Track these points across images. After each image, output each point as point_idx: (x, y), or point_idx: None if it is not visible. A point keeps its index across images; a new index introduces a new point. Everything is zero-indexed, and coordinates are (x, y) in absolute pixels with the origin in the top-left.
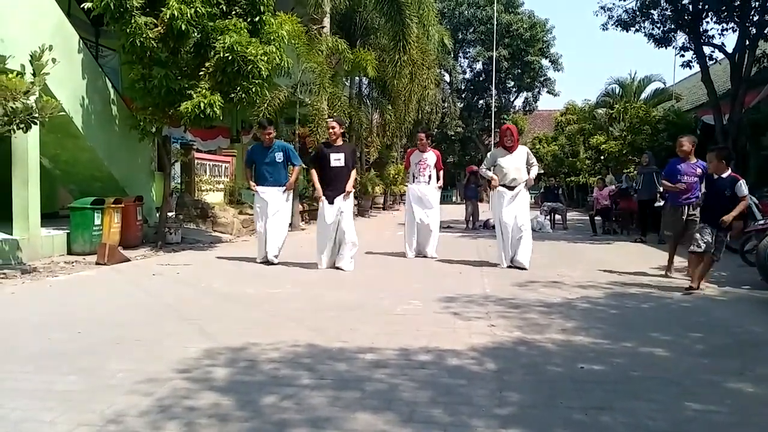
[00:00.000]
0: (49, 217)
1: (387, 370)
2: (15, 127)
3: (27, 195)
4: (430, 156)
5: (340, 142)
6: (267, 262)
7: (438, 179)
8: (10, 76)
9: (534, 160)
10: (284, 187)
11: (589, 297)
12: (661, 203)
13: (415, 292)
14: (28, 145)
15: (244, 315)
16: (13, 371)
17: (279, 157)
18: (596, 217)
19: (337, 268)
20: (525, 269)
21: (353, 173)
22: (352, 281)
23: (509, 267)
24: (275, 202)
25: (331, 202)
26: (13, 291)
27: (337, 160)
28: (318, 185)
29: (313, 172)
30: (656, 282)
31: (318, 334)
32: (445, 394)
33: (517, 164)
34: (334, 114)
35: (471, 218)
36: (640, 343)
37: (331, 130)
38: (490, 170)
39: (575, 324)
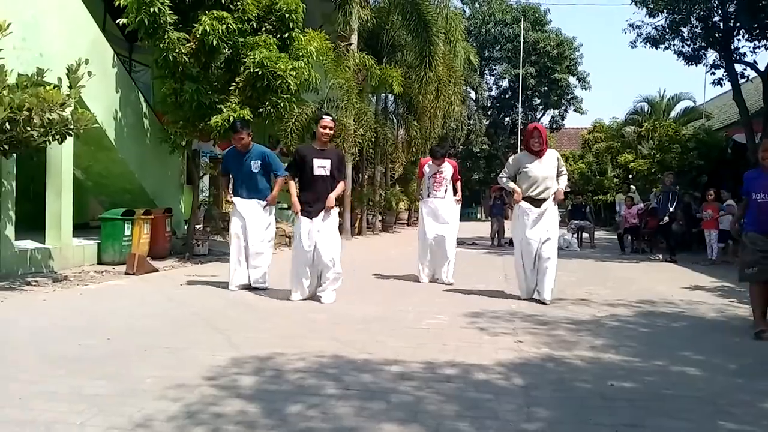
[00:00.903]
0: (80, 228)
1: (412, 382)
2: (51, 138)
3: (60, 205)
4: (447, 168)
5: (328, 145)
6: (247, 287)
7: (456, 191)
8: (47, 88)
9: (564, 168)
10: (265, 202)
11: (618, 315)
12: (666, 220)
13: (440, 306)
14: (62, 156)
15: (269, 325)
16: (44, 375)
17: (255, 166)
18: (625, 236)
19: (317, 299)
20: (546, 304)
21: (340, 185)
22: (376, 294)
23: (530, 300)
24: (254, 218)
25: (311, 219)
26: (45, 298)
27: (321, 167)
28: (295, 197)
29: (291, 182)
30: (687, 301)
31: (343, 345)
32: (471, 408)
33: (546, 172)
34: (360, 130)
35: (497, 235)
36: (671, 362)
37: (323, 130)
38: (512, 180)
39: (604, 341)
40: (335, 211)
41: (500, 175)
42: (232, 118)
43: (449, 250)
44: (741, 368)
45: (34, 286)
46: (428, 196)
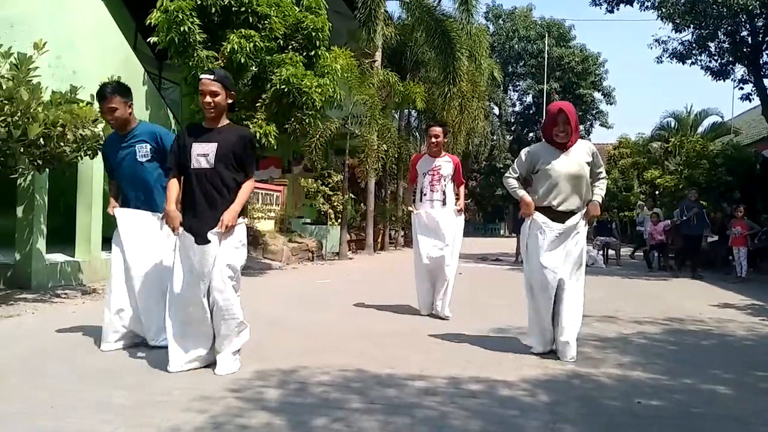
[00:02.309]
0: (109, 241)
1: (437, 397)
2: (83, 154)
3: (90, 219)
4: (445, 164)
5: (223, 122)
6: (136, 343)
7: (458, 198)
8: (80, 105)
9: (603, 169)
10: (160, 214)
11: (645, 332)
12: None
13: (465, 321)
14: (93, 171)
15: (293, 339)
16: (74, 385)
17: (141, 152)
18: (651, 252)
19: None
20: (572, 360)
21: (247, 185)
22: (399, 309)
23: (547, 354)
24: (137, 240)
25: (197, 239)
26: (74, 310)
27: (201, 155)
28: (170, 206)
29: (171, 183)
30: (716, 319)
31: (367, 359)
32: (496, 424)
33: (575, 170)
34: (383, 146)
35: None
36: (700, 380)
37: (203, 98)
38: (528, 182)
39: (632, 359)
40: (239, 230)
41: (506, 176)
42: (258, 134)
43: (449, 275)
44: None
45: (64, 298)
46: (420, 201)
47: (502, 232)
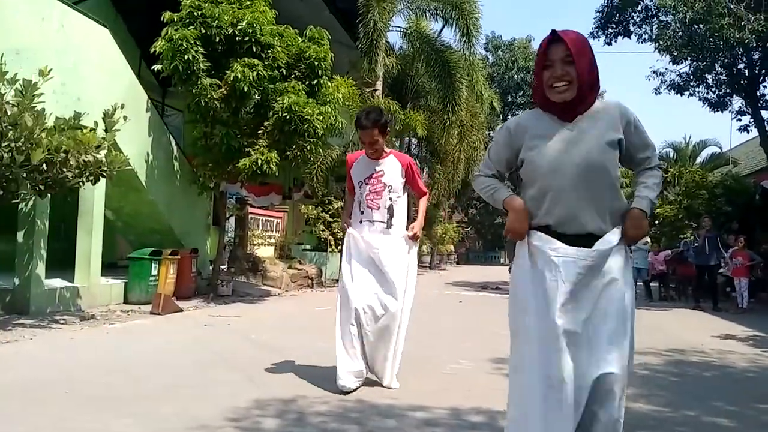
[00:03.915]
0: (108, 267)
1: (438, 429)
2: (85, 179)
3: (90, 245)
4: (391, 167)
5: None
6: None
7: (415, 218)
8: (84, 131)
9: (650, 146)
10: None
11: (647, 363)
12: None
13: (465, 350)
14: (94, 197)
15: (291, 367)
16: (72, 412)
17: None
18: (652, 283)
19: None
20: None
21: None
22: None
23: None
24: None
25: None
26: (72, 336)
27: None
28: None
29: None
30: (717, 350)
31: (367, 389)
32: None
33: (590, 156)
34: None
35: None
36: (703, 412)
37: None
38: (505, 179)
39: (634, 390)
40: None
41: (475, 174)
42: (260, 161)
43: (393, 332)
44: None
45: (62, 324)
46: (358, 222)
47: (501, 260)
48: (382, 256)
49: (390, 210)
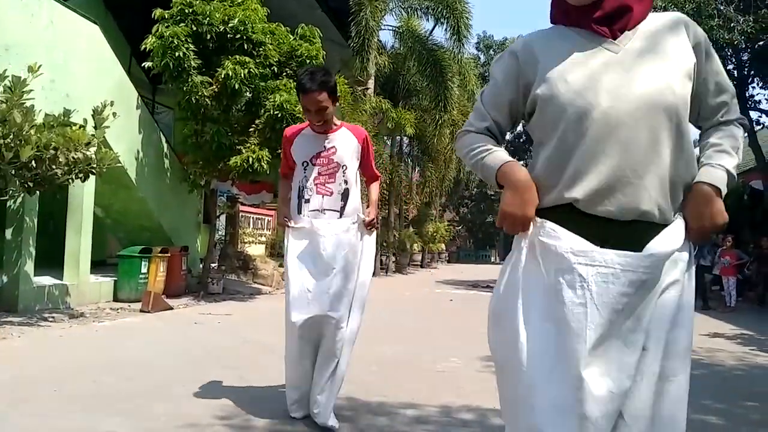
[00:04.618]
0: (97, 264)
1: (429, 426)
2: (74, 177)
3: (79, 242)
4: (344, 142)
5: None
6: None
7: (367, 204)
8: (73, 128)
9: (727, 80)
10: None
11: None
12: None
13: (455, 349)
14: (83, 194)
15: (282, 364)
16: (60, 411)
17: None
18: None
19: None
20: None
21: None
22: (390, 336)
23: None
24: None
25: None
26: (61, 334)
27: None
28: None
29: None
30: (706, 348)
31: (357, 387)
32: None
33: (649, 94)
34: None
35: None
36: (691, 410)
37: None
38: (504, 140)
39: None
40: None
41: (460, 132)
42: (251, 159)
43: (339, 348)
44: (764, 418)
45: (51, 322)
46: (298, 211)
47: (492, 258)
48: (333, 249)
49: (345, 196)
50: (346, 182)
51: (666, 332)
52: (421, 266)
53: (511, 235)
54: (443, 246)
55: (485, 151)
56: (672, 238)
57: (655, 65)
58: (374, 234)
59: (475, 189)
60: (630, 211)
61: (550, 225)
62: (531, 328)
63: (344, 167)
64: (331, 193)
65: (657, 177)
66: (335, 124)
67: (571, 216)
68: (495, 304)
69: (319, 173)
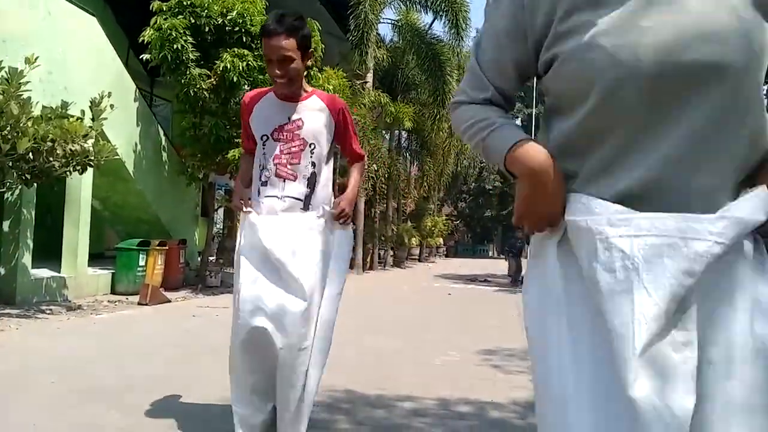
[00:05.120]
0: (95, 257)
1: (426, 419)
2: (72, 169)
3: (77, 235)
4: (314, 113)
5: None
6: None
7: (340, 188)
8: (71, 120)
9: None
10: None
11: None
12: None
13: (453, 342)
14: (81, 186)
15: None
16: (58, 404)
17: None
18: None
19: None
20: None
21: None
22: (388, 330)
23: None
24: None
25: None
26: (59, 327)
27: None
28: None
29: None
30: None
31: (356, 380)
32: None
33: (723, 23)
34: (373, 165)
35: (515, 273)
36: None
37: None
38: (509, 106)
39: None
40: None
41: (457, 95)
42: None
43: (299, 368)
44: None
45: (49, 314)
46: (259, 198)
47: (490, 253)
48: (291, 251)
49: (311, 181)
50: (313, 164)
51: (754, 340)
52: (419, 260)
53: (509, 229)
54: (441, 240)
55: (488, 128)
56: (757, 204)
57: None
58: (350, 229)
59: (473, 183)
60: (690, 205)
61: (577, 198)
62: (562, 341)
63: (312, 146)
64: (295, 177)
65: (730, 158)
66: (305, 91)
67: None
68: (528, 323)
69: (281, 151)
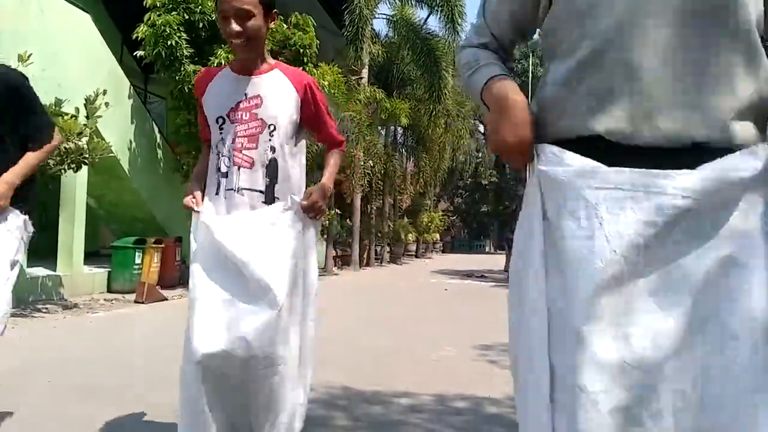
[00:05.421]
0: (91, 255)
1: (423, 415)
2: (66, 167)
3: (72, 233)
4: (275, 89)
5: None
6: None
7: (323, 177)
8: (65, 118)
9: None
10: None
11: None
12: None
13: (450, 338)
14: (76, 184)
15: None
16: (55, 402)
17: None
18: None
19: None
20: None
21: (25, 160)
22: (385, 326)
23: None
24: None
25: None
26: (55, 325)
27: None
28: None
29: None
30: None
31: (352, 376)
32: None
33: None
34: (369, 161)
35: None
36: None
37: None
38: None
39: None
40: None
41: (462, 41)
42: None
43: (277, 388)
44: None
45: (45, 313)
46: (218, 192)
47: (487, 248)
48: (255, 253)
49: (271, 169)
50: (272, 149)
51: (764, 311)
52: (416, 256)
53: (506, 223)
54: (438, 236)
55: (473, 67)
56: (743, 162)
57: None
58: (319, 223)
59: (469, 179)
60: (678, 140)
61: (550, 149)
62: (534, 284)
63: (271, 127)
64: (251, 165)
65: (718, 96)
66: (267, 63)
67: (599, 148)
68: (511, 269)
69: (237, 135)
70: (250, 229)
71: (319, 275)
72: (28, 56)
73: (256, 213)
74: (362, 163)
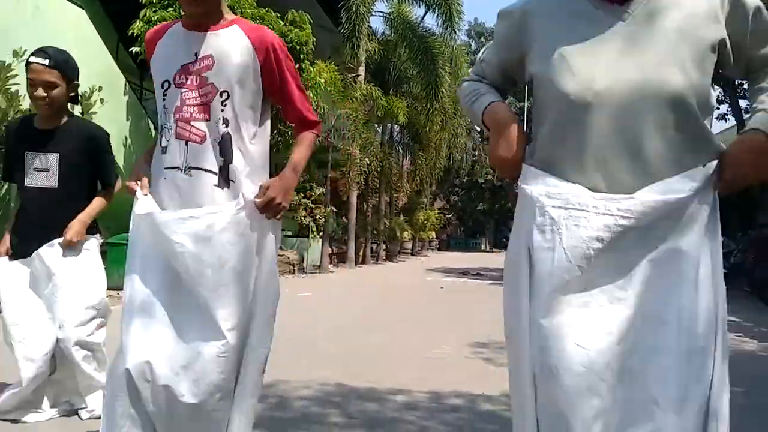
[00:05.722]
0: None
1: (417, 412)
2: None
3: None
4: (230, 49)
5: (62, 119)
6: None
7: (292, 166)
8: None
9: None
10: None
11: None
12: None
13: (446, 336)
14: None
15: (273, 353)
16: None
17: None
18: None
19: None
20: None
21: (97, 202)
22: (381, 323)
23: None
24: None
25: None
26: None
27: (42, 169)
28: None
29: None
30: None
31: (348, 374)
32: None
33: (666, 64)
34: (366, 159)
35: None
36: None
37: (32, 89)
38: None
39: None
40: (88, 246)
41: (463, 80)
42: None
43: (220, 413)
44: (749, 402)
45: None
46: (161, 174)
47: (483, 246)
48: (197, 256)
49: (225, 145)
50: (225, 122)
51: (690, 302)
52: (412, 254)
53: (502, 222)
54: (434, 234)
55: (474, 96)
56: (679, 185)
57: (666, 39)
58: (279, 224)
59: (465, 177)
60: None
61: (533, 170)
62: (518, 285)
63: (224, 94)
64: (202, 139)
65: (670, 169)
66: (225, 18)
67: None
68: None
69: (185, 102)
70: (198, 234)
71: (315, 272)
72: (23, 52)
73: (204, 212)
74: (358, 161)
